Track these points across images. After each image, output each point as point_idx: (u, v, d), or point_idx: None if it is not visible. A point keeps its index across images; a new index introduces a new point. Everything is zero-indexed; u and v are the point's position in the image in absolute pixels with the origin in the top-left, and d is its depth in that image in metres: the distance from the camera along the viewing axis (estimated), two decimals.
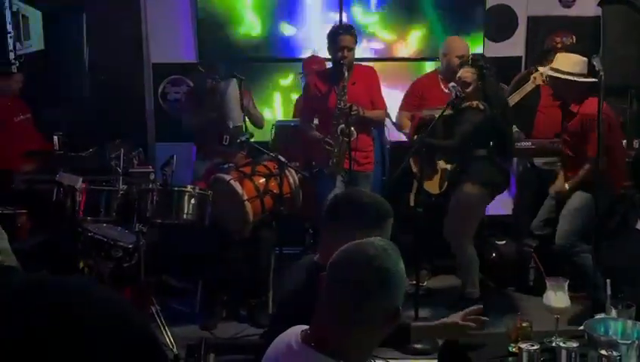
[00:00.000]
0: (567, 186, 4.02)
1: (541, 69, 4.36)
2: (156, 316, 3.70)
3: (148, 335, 1.69)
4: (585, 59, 3.91)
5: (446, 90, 4.23)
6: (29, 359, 1.42)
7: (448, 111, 3.88)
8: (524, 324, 2.39)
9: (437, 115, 3.89)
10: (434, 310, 4.22)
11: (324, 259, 2.08)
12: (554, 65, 4.00)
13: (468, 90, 3.92)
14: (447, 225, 4.12)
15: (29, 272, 1.61)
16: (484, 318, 2.28)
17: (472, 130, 3.92)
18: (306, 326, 1.55)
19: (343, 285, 1.48)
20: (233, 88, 4.50)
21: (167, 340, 3.61)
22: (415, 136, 4.14)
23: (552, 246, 4.16)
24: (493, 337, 2.82)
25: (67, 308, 1.48)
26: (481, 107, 3.92)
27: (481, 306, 2.35)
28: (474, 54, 4.19)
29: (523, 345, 2.20)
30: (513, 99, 4.42)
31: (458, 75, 3.98)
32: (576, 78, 3.86)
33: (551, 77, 4.02)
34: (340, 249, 1.55)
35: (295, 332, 1.56)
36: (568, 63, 3.93)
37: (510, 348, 2.36)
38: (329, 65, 4.63)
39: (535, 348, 2.19)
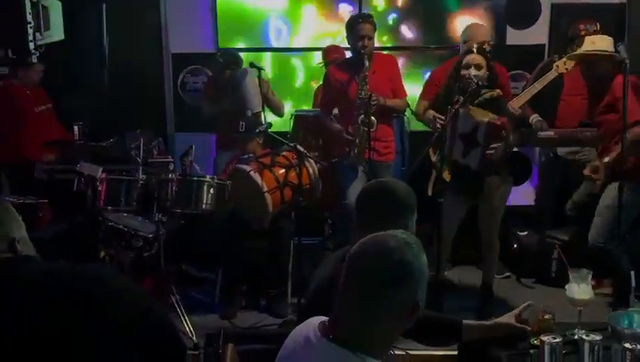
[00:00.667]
0: (607, 160, 3.77)
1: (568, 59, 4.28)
2: (176, 305, 3.72)
3: (165, 323, 1.70)
4: (612, 39, 3.86)
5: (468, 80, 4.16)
6: (47, 346, 1.44)
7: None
8: (546, 317, 2.36)
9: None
10: (455, 301, 4.19)
11: None
12: (587, 48, 3.92)
13: (481, 72, 3.85)
14: (485, 220, 4.05)
15: (48, 261, 1.62)
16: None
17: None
18: (324, 318, 1.53)
19: (362, 277, 1.46)
20: (251, 77, 4.50)
21: (187, 329, 3.63)
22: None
23: (582, 243, 4.09)
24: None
25: (85, 297, 1.49)
26: (501, 94, 3.88)
27: (531, 302, 2.33)
28: (483, 41, 4.12)
29: (545, 338, 2.16)
30: (535, 88, 4.34)
31: (467, 60, 3.88)
32: (615, 54, 3.79)
33: (586, 57, 3.92)
34: (360, 241, 1.53)
35: (313, 323, 1.55)
36: (603, 43, 3.86)
37: (532, 341, 2.32)
38: (348, 54, 4.60)
39: (557, 340, 2.16)
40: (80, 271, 1.56)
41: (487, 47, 4.31)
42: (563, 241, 4.43)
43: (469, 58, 3.88)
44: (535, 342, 2.29)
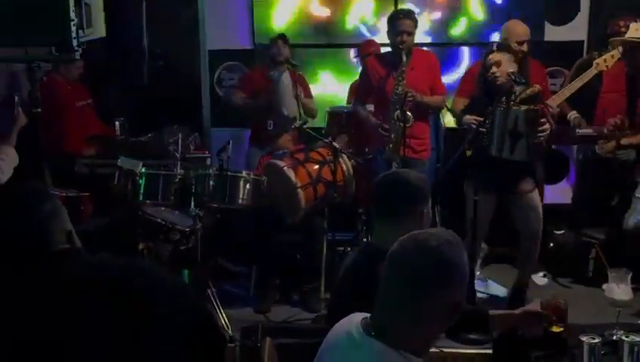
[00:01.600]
0: None
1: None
2: (212, 298, 3.78)
3: (207, 315, 1.75)
4: None
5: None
6: (96, 333, 1.49)
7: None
8: (559, 304, 2.31)
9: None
10: (487, 298, 4.17)
11: (378, 240, 2.18)
12: (631, 34, 3.85)
13: (502, 68, 3.80)
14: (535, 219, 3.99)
15: (91, 254, 1.67)
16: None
17: None
18: (366, 314, 1.55)
19: (403, 276, 1.47)
20: (285, 77, 4.52)
21: (222, 322, 3.68)
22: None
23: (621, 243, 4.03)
24: None
25: (134, 289, 1.54)
26: (539, 89, 3.80)
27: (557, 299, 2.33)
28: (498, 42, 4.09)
29: (584, 338, 2.15)
30: (574, 87, 4.28)
31: (493, 59, 3.82)
32: None
33: (629, 44, 3.85)
34: (400, 239, 1.53)
35: (356, 320, 1.56)
36: None
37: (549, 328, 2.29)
38: (385, 49, 4.59)
39: (596, 341, 2.14)
40: (125, 263, 1.61)
41: (525, 45, 4.27)
42: (601, 240, 4.36)
43: (490, 57, 3.85)
44: (552, 329, 2.25)
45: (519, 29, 4.37)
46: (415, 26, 4.29)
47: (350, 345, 1.52)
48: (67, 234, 1.61)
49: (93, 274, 1.56)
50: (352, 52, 5.51)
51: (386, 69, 4.36)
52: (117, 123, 3.91)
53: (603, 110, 4.51)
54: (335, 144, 3.99)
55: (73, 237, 1.62)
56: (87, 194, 4.04)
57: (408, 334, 1.47)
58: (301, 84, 4.71)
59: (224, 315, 3.75)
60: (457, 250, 1.48)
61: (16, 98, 3.17)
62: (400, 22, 4.23)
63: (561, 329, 2.24)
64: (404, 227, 1.99)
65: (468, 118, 3.98)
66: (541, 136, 3.70)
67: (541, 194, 4.20)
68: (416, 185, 2.21)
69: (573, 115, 4.43)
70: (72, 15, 3.04)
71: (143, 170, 3.68)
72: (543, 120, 3.69)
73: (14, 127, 3.15)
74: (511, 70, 3.79)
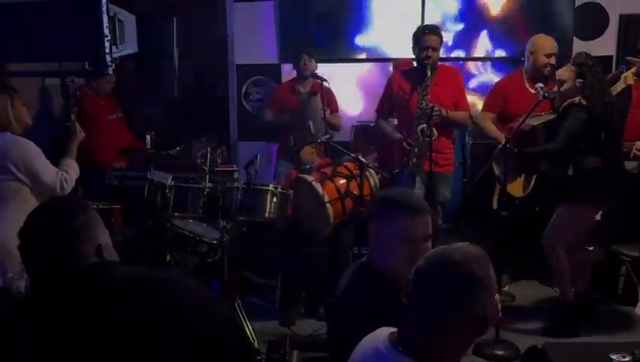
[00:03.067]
0: None
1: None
2: (238, 310, 3.80)
3: (238, 328, 1.76)
4: None
5: (532, 91, 4.11)
6: (130, 347, 1.52)
7: (548, 116, 3.77)
8: None
9: (536, 122, 3.78)
10: (515, 315, 4.13)
11: (373, 259, 2.11)
12: None
13: (562, 88, 3.77)
14: (546, 234, 3.93)
15: (128, 266, 1.69)
16: None
17: (578, 128, 3.70)
18: (393, 329, 1.55)
19: (429, 291, 1.47)
20: (314, 102, 4.57)
21: (249, 334, 3.70)
22: (515, 149, 3.91)
23: None
24: (581, 346, 2.74)
25: (168, 302, 1.56)
26: (584, 102, 3.72)
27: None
28: (578, 53, 4.02)
29: (614, 356, 2.12)
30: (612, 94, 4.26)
31: (557, 74, 3.84)
32: None
33: None
34: (426, 254, 1.54)
35: (383, 334, 1.57)
36: None
37: None
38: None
39: (627, 359, 2.12)
40: (162, 275, 1.63)
41: (553, 59, 4.26)
42: (631, 257, 4.30)
43: (559, 70, 3.86)
44: None
45: (546, 43, 4.36)
46: (440, 41, 4.31)
47: (378, 360, 1.53)
48: (97, 247, 1.62)
49: (128, 286, 1.58)
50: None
51: (411, 84, 4.38)
52: (148, 136, 3.96)
53: (633, 125, 4.47)
54: (361, 158, 4.01)
55: (102, 250, 1.62)
56: (117, 206, 4.10)
57: (435, 349, 1.47)
58: (328, 99, 4.75)
59: (250, 328, 3.77)
60: (482, 263, 1.48)
61: (72, 116, 3.30)
62: (425, 37, 4.25)
63: None
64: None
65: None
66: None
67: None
68: (411, 200, 2.11)
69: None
70: (106, 31, 3.10)
71: (173, 182, 3.73)
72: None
73: (74, 141, 3.33)
74: (539, 85, 3.80)
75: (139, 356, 1.51)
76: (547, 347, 2.59)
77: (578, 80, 3.72)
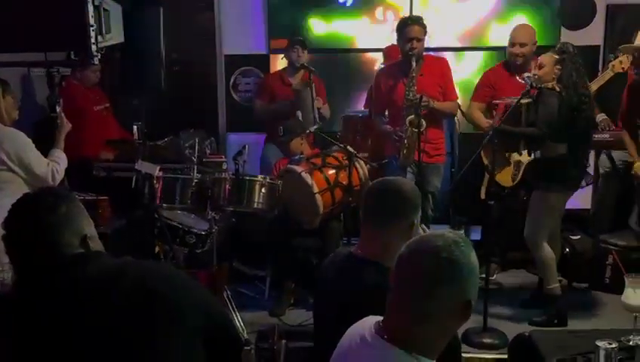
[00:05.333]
0: None
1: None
2: (227, 301, 3.80)
3: (224, 317, 1.76)
4: None
5: (521, 81, 4.12)
6: (116, 338, 1.51)
7: (526, 100, 3.77)
8: None
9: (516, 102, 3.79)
10: (503, 304, 4.16)
11: (366, 250, 2.10)
12: (638, 42, 3.84)
13: (540, 71, 3.77)
14: (526, 224, 3.92)
15: (114, 256, 1.69)
16: None
17: (551, 114, 3.70)
18: (379, 318, 1.55)
19: (412, 278, 1.47)
20: (306, 94, 4.56)
21: (238, 325, 3.70)
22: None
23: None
24: (567, 334, 2.76)
25: (155, 292, 1.56)
26: (557, 89, 3.72)
27: None
28: (563, 42, 4.02)
29: (600, 343, 2.14)
30: (590, 89, 4.28)
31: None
32: None
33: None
34: (407, 242, 1.54)
35: (369, 323, 1.57)
36: None
37: None
38: None
39: (613, 346, 2.13)
40: (148, 269, 1.63)
41: (526, 49, 4.28)
42: (618, 246, 4.34)
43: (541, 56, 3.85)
44: None
45: (517, 32, 4.38)
46: (424, 32, 4.29)
47: (363, 349, 1.53)
48: (82, 238, 1.61)
49: (112, 277, 1.57)
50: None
51: (397, 77, 4.37)
52: (135, 127, 3.94)
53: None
54: (350, 148, 4.01)
55: (87, 241, 1.62)
56: (105, 197, 4.08)
57: (420, 336, 1.47)
58: (318, 91, 4.74)
59: (239, 318, 3.77)
60: (464, 248, 1.48)
61: (58, 108, 3.30)
62: (409, 28, 4.24)
63: None
64: (392, 239, 1.99)
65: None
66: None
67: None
68: (408, 195, 2.12)
69: (601, 116, 4.42)
70: (91, 21, 3.08)
71: (160, 173, 3.72)
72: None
73: (61, 132, 3.36)
74: (527, 74, 3.81)
75: (125, 345, 1.50)
76: (534, 335, 2.61)
77: (557, 66, 3.73)
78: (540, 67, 3.79)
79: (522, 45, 4.31)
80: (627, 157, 4.44)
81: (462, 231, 4.80)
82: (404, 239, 1.63)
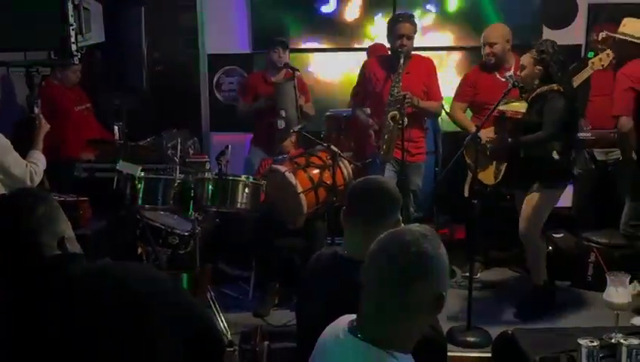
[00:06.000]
0: None
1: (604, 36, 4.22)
2: (211, 302, 3.78)
3: (206, 319, 1.75)
4: None
5: (502, 79, 4.15)
6: (95, 340, 1.49)
7: (518, 103, 3.80)
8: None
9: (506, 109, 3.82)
10: (487, 302, 4.17)
11: (351, 250, 2.08)
12: (625, 30, 3.86)
13: (522, 73, 3.80)
14: (522, 220, 3.95)
15: (92, 258, 1.67)
16: None
17: (560, 114, 3.70)
18: (353, 316, 1.55)
19: (382, 273, 1.47)
20: (289, 87, 4.55)
21: (222, 326, 3.68)
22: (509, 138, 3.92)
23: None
24: (550, 332, 2.77)
25: (135, 293, 1.54)
26: (561, 89, 3.73)
27: None
28: (542, 40, 4.04)
29: (582, 341, 2.15)
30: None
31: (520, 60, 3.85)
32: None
33: (620, 41, 3.86)
34: (377, 239, 1.53)
35: (343, 322, 1.57)
36: (634, 26, 3.82)
37: None
38: None
39: (595, 344, 2.14)
40: (127, 269, 1.61)
41: (496, 48, 4.30)
42: (600, 244, 4.37)
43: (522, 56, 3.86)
44: None
45: (489, 32, 4.41)
46: (415, 30, 4.31)
47: (337, 347, 1.53)
48: (60, 240, 1.59)
49: (91, 279, 1.55)
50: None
51: (385, 73, 4.38)
52: (116, 127, 3.90)
53: (593, 113, 4.56)
54: (334, 148, 4.00)
55: (65, 243, 1.60)
56: (85, 198, 4.04)
57: (394, 331, 1.47)
58: (302, 89, 4.74)
59: (223, 319, 3.75)
60: (432, 241, 1.48)
61: (35, 109, 3.25)
62: (400, 25, 4.25)
63: None
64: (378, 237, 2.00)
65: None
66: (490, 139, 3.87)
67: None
68: (392, 193, 2.12)
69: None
70: (71, 20, 3.04)
71: (142, 174, 3.68)
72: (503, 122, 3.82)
73: (39, 133, 3.30)
74: (509, 73, 3.83)
75: (103, 348, 1.49)
76: (516, 333, 2.62)
77: (537, 67, 3.76)
78: (522, 69, 3.81)
79: (492, 45, 4.34)
80: (604, 156, 4.49)
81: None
82: None
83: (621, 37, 3.84)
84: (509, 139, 3.87)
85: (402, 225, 2.12)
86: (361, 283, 1.51)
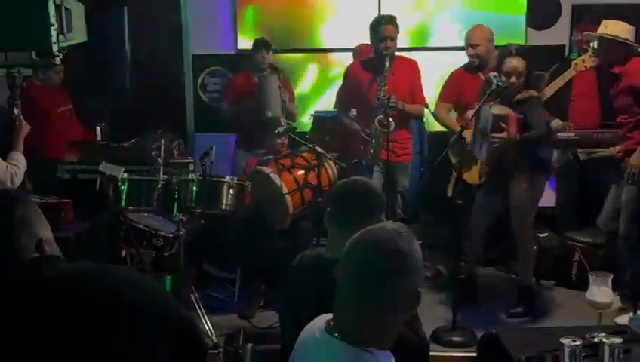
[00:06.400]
0: None
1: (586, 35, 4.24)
2: (196, 304, 3.75)
3: (188, 322, 1.73)
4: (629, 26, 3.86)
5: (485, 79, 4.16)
6: (76, 343, 1.47)
7: (500, 106, 3.82)
8: None
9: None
10: (472, 302, 4.18)
11: (333, 252, 2.08)
12: (607, 31, 3.89)
13: (521, 79, 3.82)
14: (518, 218, 3.99)
15: (72, 261, 1.65)
16: None
17: (544, 118, 3.84)
18: (330, 315, 1.55)
19: (359, 272, 1.47)
20: (273, 80, 4.53)
21: (207, 328, 3.66)
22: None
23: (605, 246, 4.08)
24: (534, 332, 2.78)
25: (114, 295, 1.52)
26: (536, 94, 3.84)
27: None
28: (515, 45, 4.06)
29: (565, 340, 2.15)
30: (552, 88, 4.34)
31: (511, 65, 3.82)
32: (632, 43, 3.80)
33: (602, 41, 3.89)
34: (352, 237, 1.53)
35: (320, 322, 1.57)
36: (616, 28, 3.84)
37: None
38: None
39: (577, 343, 2.15)
40: (107, 270, 1.59)
41: (479, 49, 4.32)
42: (584, 244, 4.40)
43: (512, 62, 3.83)
44: None
45: (471, 34, 4.43)
46: (397, 31, 4.31)
47: (314, 347, 1.53)
48: (38, 242, 1.57)
49: (70, 281, 1.53)
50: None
51: (369, 75, 4.38)
52: (98, 128, 3.88)
53: (575, 114, 4.59)
54: (319, 149, 4.00)
55: (43, 245, 1.57)
56: (68, 200, 4.01)
57: (371, 329, 1.47)
58: (286, 88, 4.73)
59: (208, 321, 3.73)
60: (407, 238, 1.48)
61: (15, 110, 3.21)
62: (383, 27, 4.26)
63: None
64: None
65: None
66: (495, 142, 3.77)
67: None
68: (376, 196, 2.13)
69: (556, 122, 4.48)
70: (53, 20, 3.01)
71: (125, 175, 3.66)
72: (502, 125, 3.76)
73: (19, 135, 3.26)
74: (493, 74, 3.83)
75: (82, 351, 1.47)
76: (501, 332, 2.63)
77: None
78: (520, 75, 3.80)
79: (474, 47, 4.37)
80: (586, 156, 4.52)
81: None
82: None
83: (611, 37, 3.83)
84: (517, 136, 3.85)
85: None
86: (337, 281, 1.50)
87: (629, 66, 3.77)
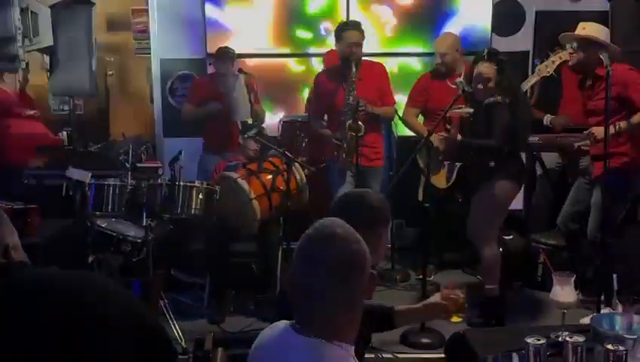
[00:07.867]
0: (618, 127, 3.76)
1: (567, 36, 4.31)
2: (164, 309, 3.72)
3: (157, 327, 1.73)
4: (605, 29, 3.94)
5: (452, 86, 4.21)
6: (44, 349, 1.46)
7: (467, 109, 3.85)
8: (457, 296, 2.34)
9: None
10: None
11: None
12: (584, 32, 3.94)
13: (490, 85, 3.74)
14: (472, 222, 3.90)
15: (39, 267, 1.63)
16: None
17: (511, 126, 3.71)
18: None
19: (326, 268, 1.47)
20: (240, 84, 4.53)
21: (176, 334, 3.63)
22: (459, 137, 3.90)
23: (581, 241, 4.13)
24: (500, 331, 2.82)
25: (80, 301, 1.51)
26: (506, 100, 3.73)
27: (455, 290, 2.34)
28: (490, 48, 4.07)
29: (530, 340, 2.20)
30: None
31: (477, 70, 3.77)
32: (609, 44, 3.85)
33: (582, 42, 3.92)
34: (304, 236, 1.53)
35: (282, 323, 1.58)
36: (592, 29, 3.92)
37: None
38: None
39: (541, 342, 2.19)
40: (74, 276, 1.58)
41: (447, 57, 4.39)
42: (548, 245, 4.48)
43: (480, 67, 3.78)
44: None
45: (439, 43, 4.50)
46: (363, 37, 4.35)
47: (281, 344, 1.54)
48: (4, 248, 1.55)
49: (38, 287, 1.52)
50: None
51: (336, 82, 4.41)
52: (64, 133, 3.83)
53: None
54: (288, 153, 4.01)
55: (9, 251, 1.56)
56: (34, 206, 3.94)
57: (339, 322, 1.49)
58: (251, 88, 4.72)
59: (177, 327, 3.70)
60: (348, 229, 1.53)
61: None
62: (348, 33, 4.29)
63: (460, 319, 2.27)
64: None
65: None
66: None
67: None
68: (377, 207, 2.12)
69: (548, 117, 4.52)
70: (18, 24, 2.98)
71: (92, 180, 3.62)
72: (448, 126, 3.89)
73: None
74: (459, 79, 3.87)
75: (46, 358, 1.46)
76: (468, 333, 2.67)
77: (497, 76, 3.76)
78: (487, 81, 3.73)
79: (442, 55, 4.46)
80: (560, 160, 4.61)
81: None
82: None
83: (590, 37, 3.89)
84: (459, 138, 3.85)
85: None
86: (297, 281, 1.51)
87: (619, 74, 3.72)
